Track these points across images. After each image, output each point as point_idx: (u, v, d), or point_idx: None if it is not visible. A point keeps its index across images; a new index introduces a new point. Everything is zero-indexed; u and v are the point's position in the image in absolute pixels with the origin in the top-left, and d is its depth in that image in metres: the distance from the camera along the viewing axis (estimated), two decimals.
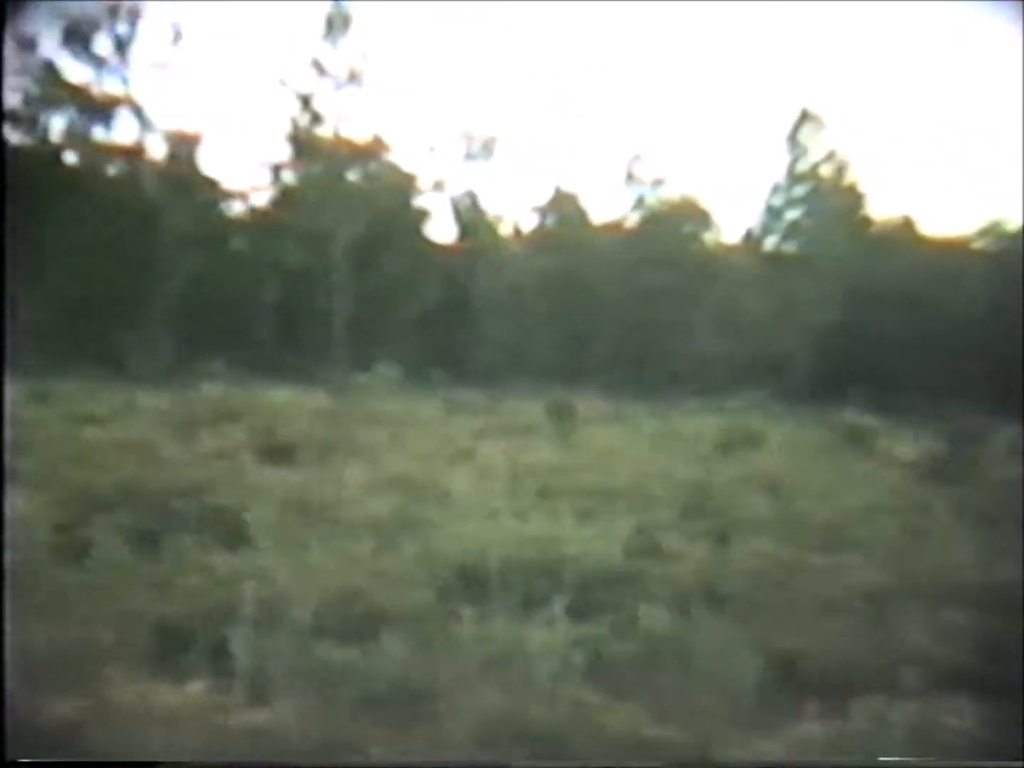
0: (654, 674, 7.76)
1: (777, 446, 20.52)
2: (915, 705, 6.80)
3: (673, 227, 48.36)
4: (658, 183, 48.57)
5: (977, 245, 55.37)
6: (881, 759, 6.30)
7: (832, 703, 7.00)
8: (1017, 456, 21.73)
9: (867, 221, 51.92)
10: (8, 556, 7.89)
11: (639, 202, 48.44)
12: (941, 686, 7.30)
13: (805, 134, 50.35)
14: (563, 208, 46.95)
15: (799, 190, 50.76)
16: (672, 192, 48.76)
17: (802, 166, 50.64)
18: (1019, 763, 6.08)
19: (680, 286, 45.87)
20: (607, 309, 44.90)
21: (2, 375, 10.67)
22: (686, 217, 49.15)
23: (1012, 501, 15.22)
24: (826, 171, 50.90)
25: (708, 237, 50.34)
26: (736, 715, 7.09)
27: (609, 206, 55.54)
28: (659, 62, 62.55)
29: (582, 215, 47.55)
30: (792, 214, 50.78)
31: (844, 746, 6.45)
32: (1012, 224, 54.91)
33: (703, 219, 49.78)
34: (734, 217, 70.77)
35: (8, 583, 7.43)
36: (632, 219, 48.53)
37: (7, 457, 9.02)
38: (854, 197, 51.45)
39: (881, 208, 52.44)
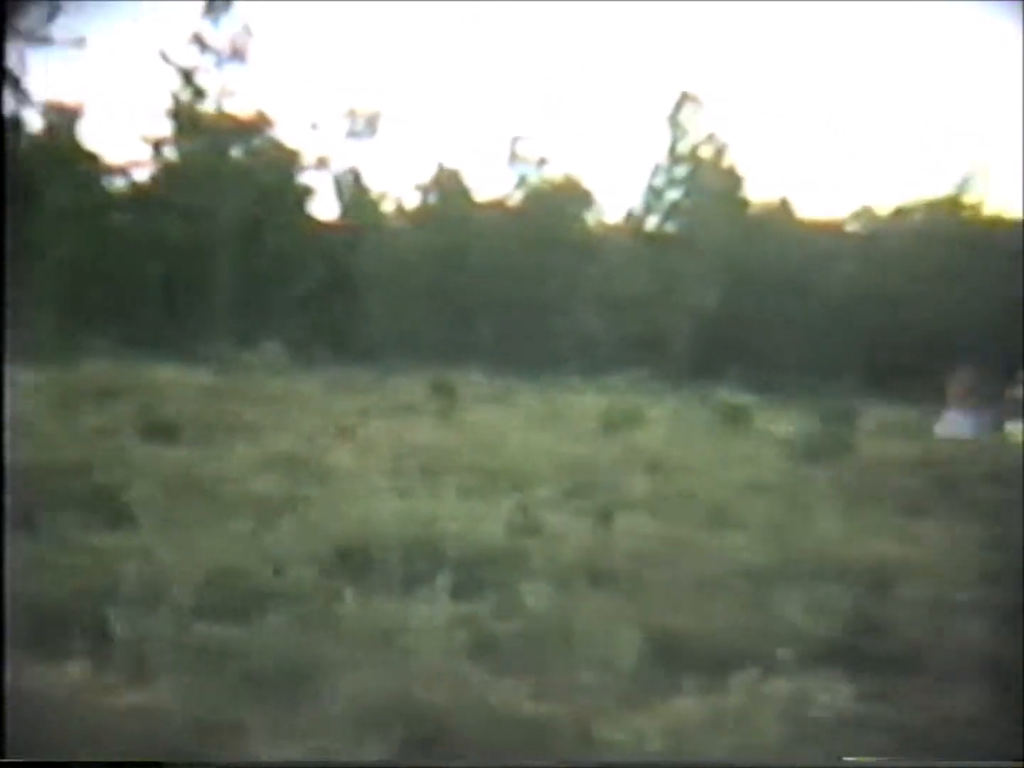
0: (536, 651, 7.79)
1: (658, 424, 20.72)
2: (790, 681, 6.88)
3: (555, 206, 48.51)
4: (541, 162, 48.68)
5: (850, 228, 56.40)
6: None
7: (710, 679, 7.04)
8: (887, 433, 22.24)
9: (745, 203, 52.58)
10: None
11: (522, 181, 48.53)
12: (815, 662, 7.39)
13: (685, 115, 50.78)
14: (446, 186, 46.87)
15: (679, 171, 51.17)
16: (555, 171, 48.93)
17: (682, 147, 51.06)
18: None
19: (562, 265, 46.04)
20: (490, 288, 44.93)
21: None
22: (568, 196, 49.32)
23: (883, 478, 15.57)
24: (706, 152, 51.39)
25: (590, 217, 50.58)
26: (616, 692, 7.14)
27: (492, 184, 55.60)
28: (542, 41, 62.55)
29: (465, 193, 47.50)
30: (673, 194, 51.17)
31: (720, 721, 6.50)
32: (882, 208, 56.04)
33: (585, 199, 50.00)
34: (616, 197, 71.02)
35: None
36: (515, 198, 48.61)
37: None
38: (732, 179, 52.03)
39: (759, 190, 53.15)
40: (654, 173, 50.79)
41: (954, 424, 22.97)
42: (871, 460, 17.19)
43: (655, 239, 50.14)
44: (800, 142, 78.48)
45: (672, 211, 50.91)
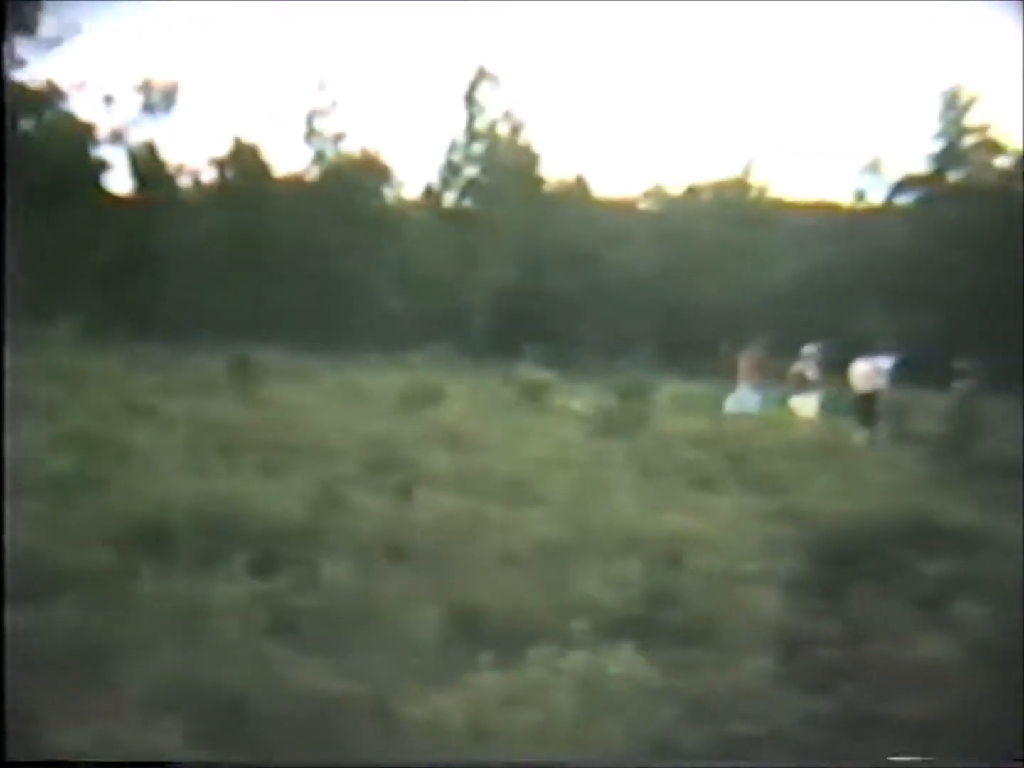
0: (336, 628, 7.79)
1: (457, 400, 20.79)
2: (585, 654, 7.00)
3: (354, 182, 48.23)
4: (339, 137, 48.32)
5: (643, 206, 57.37)
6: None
7: (509, 654, 7.11)
8: (680, 408, 22.72)
9: (541, 180, 53.04)
10: None
11: (319, 156, 48.11)
12: (612, 634, 7.52)
13: (482, 92, 50.92)
14: (243, 161, 46.21)
15: (476, 148, 51.35)
16: (352, 147, 48.62)
17: (479, 124, 51.23)
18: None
19: (361, 241, 45.82)
20: (289, 264, 44.49)
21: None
22: (366, 172, 49.06)
23: (676, 453, 15.91)
24: (502, 130, 51.66)
25: (388, 192, 50.41)
26: (416, 668, 7.19)
27: (290, 160, 55.03)
28: (339, 14, 61.87)
29: (263, 168, 46.89)
30: (470, 171, 51.34)
31: (519, 696, 6.59)
32: (674, 187, 57.17)
33: (384, 174, 49.80)
34: (414, 173, 70.89)
35: None
36: (313, 173, 48.19)
37: None
38: (529, 156, 52.44)
39: (555, 168, 53.66)
40: (451, 149, 50.88)
41: (743, 399, 23.47)
42: (665, 435, 17.51)
43: (453, 215, 50.26)
44: (595, 120, 79.48)
45: (469, 188, 51.07)
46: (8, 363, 9.60)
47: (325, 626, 7.82)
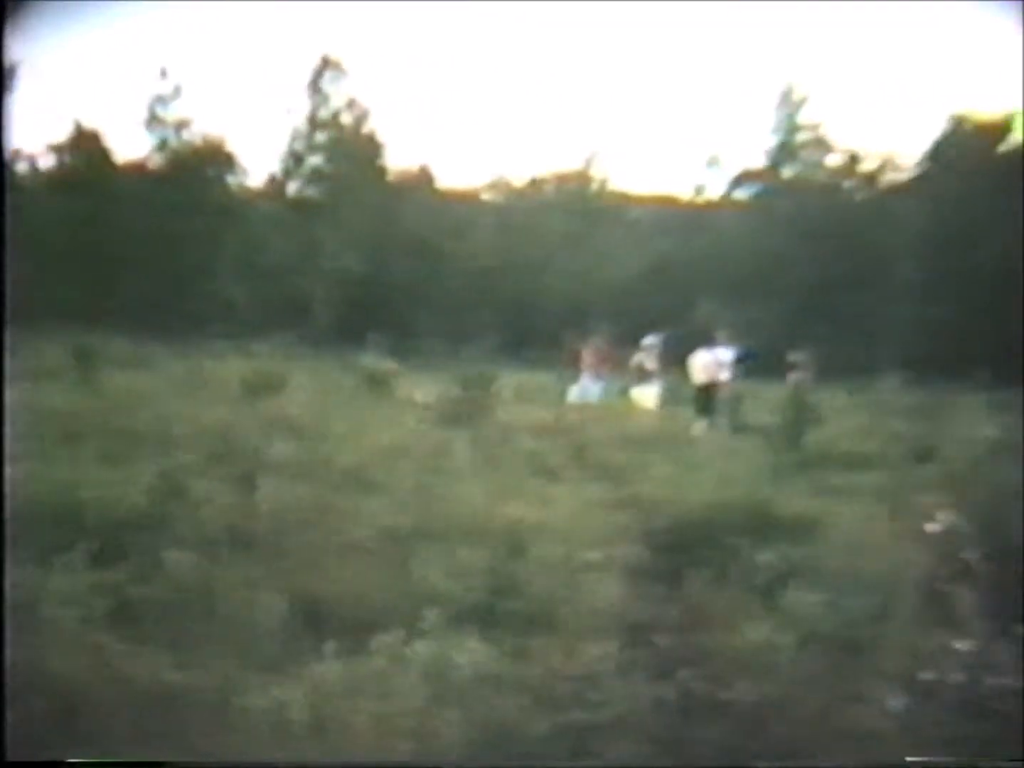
0: (178, 619, 7.72)
1: (301, 390, 20.68)
2: (430, 643, 7.03)
3: (197, 170, 47.60)
4: (181, 125, 47.62)
5: (487, 197, 57.63)
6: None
7: (353, 643, 7.13)
8: (523, 399, 22.89)
9: (385, 170, 52.93)
10: None
11: (162, 144, 47.36)
12: (456, 623, 7.56)
13: (326, 81, 50.61)
14: (85, 147, 45.28)
15: (320, 137, 51.03)
16: (195, 135, 47.95)
17: (323, 113, 50.92)
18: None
19: (204, 229, 45.27)
20: (132, 252, 43.76)
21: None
22: (210, 160, 48.48)
23: (519, 443, 16.03)
24: (346, 119, 51.41)
25: (232, 181, 49.86)
26: (258, 658, 7.16)
27: (132, 147, 54.04)
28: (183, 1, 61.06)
29: (104, 155, 46.01)
30: (314, 160, 51.01)
31: (362, 685, 6.60)
32: (517, 179, 57.52)
33: (227, 162, 49.25)
34: (258, 161, 70.21)
35: None
36: (155, 161, 47.42)
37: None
38: (373, 146, 52.29)
39: (399, 158, 53.58)
40: (295, 138, 50.50)
41: (585, 390, 23.69)
42: (507, 425, 17.61)
43: (297, 204, 49.91)
44: (439, 111, 79.56)
45: (313, 177, 50.75)
46: None
47: (167, 616, 7.74)
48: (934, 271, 49.28)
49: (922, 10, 67.76)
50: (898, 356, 41.50)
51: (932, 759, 6.30)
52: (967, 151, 52.25)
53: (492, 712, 6.46)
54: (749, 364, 23.25)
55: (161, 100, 46.96)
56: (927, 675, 6.95)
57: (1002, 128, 53.41)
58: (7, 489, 8.42)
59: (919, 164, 54.60)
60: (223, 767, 6.23)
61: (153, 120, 46.99)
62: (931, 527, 9.99)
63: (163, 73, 46.63)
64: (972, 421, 21.41)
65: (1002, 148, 53.07)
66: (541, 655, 7.31)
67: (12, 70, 40.90)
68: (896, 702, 6.68)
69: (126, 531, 9.25)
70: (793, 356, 22.78)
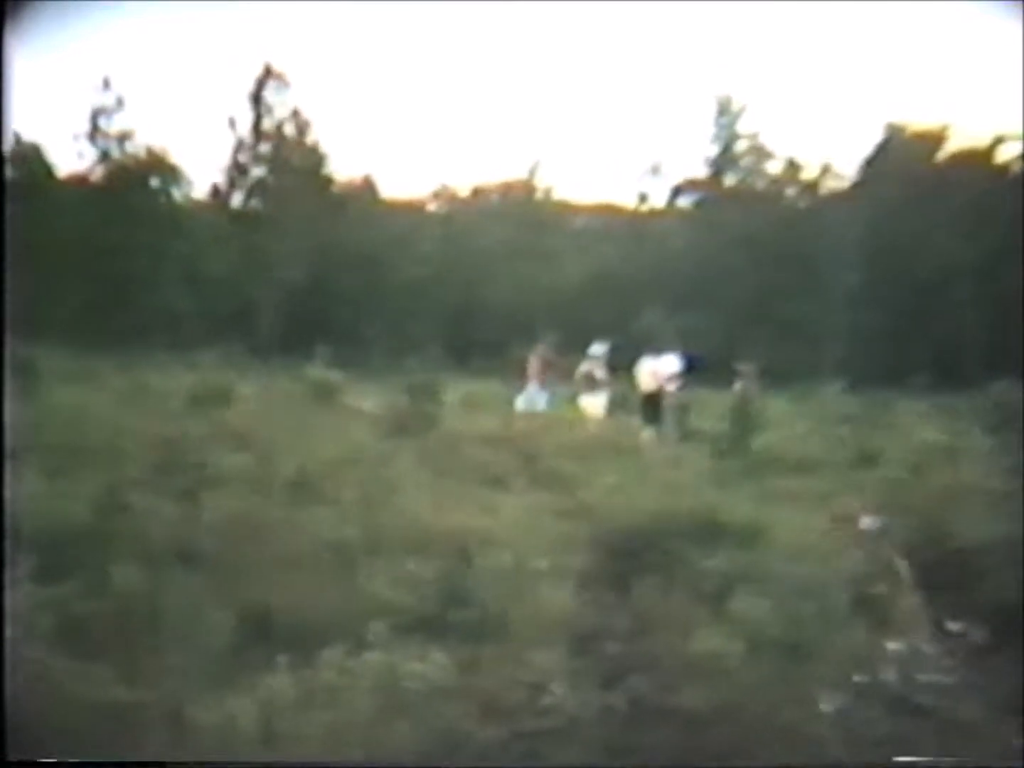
0: (125, 634, 7.68)
1: (247, 401, 20.59)
2: (379, 654, 7.03)
3: (140, 181, 47.36)
4: (124, 136, 47.34)
5: (431, 207, 57.71)
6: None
7: (301, 656, 7.12)
8: (470, 408, 22.90)
9: (329, 180, 52.88)
10: None
11: (104, 156, 47.06)
12: (405, 634, 7.56)
13: (269, 92, 50.51)
14: (26, 160, 44.91)
15: (264, 148, 50.92)
16: (139, 146, 47.71)
17: (267, 124, 50.81)
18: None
19: (148, 241, 45.03)
20: (74, 263, 43.44)
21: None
22: (153, 171, 48.24)
23: (467, 452, 16.01)
24: (290, 130, 51.33)
25: (176, 192, 49.64)
26: (208, 673, 7.14)
27: (74, 159, 53.57)
28: (125, 10, 60.63)
29: (46, 168, 45.66)
30: (258, 171, 50.88)
31: (312, 698, 6.60)
32: (460, 188, 57.63)
33: (171, 174, 49.02)
34: (202, 173, 69.80)
35: None
36: (98, 173, 47.14)
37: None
38: (316, 156, 52.25)
39: (342, 168, 53.53)
40: (238, 149, 50.34)
41: (532, 399, 23.69)
42: (455, 434, 17.60)
43: (241, 215, 49.77)
44: (383, 121, 79.49)
45: (257, 188, 50.61)
46: None
47: (113, 632, 7.69)
48: (874, 278, 49.80)
49: (860, 18, 68.53)
50: (839, 362, 41.96)
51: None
52: (904, 159, 52.86)
53: (441, 721, 6.47)
54: (695, 372, 23.37)
55: (103, 112, 46.65)
56: (862, 676, 7.04)
57: (938, 137, 54.15)
58: None
59: (858, 172, 55.19)
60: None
61: (95, 132, 46.67)
62: (864, 527, 10.16)
63: (106, 84, 46.37)
64: (913, 426, 21.67)
65: (938, 157, 53.79)
66: (490, 664, 7.32)
67: None
68: (831, 704, 6.76)
69: (71, 546, 9.16)
70: (739, 364, 22.92)
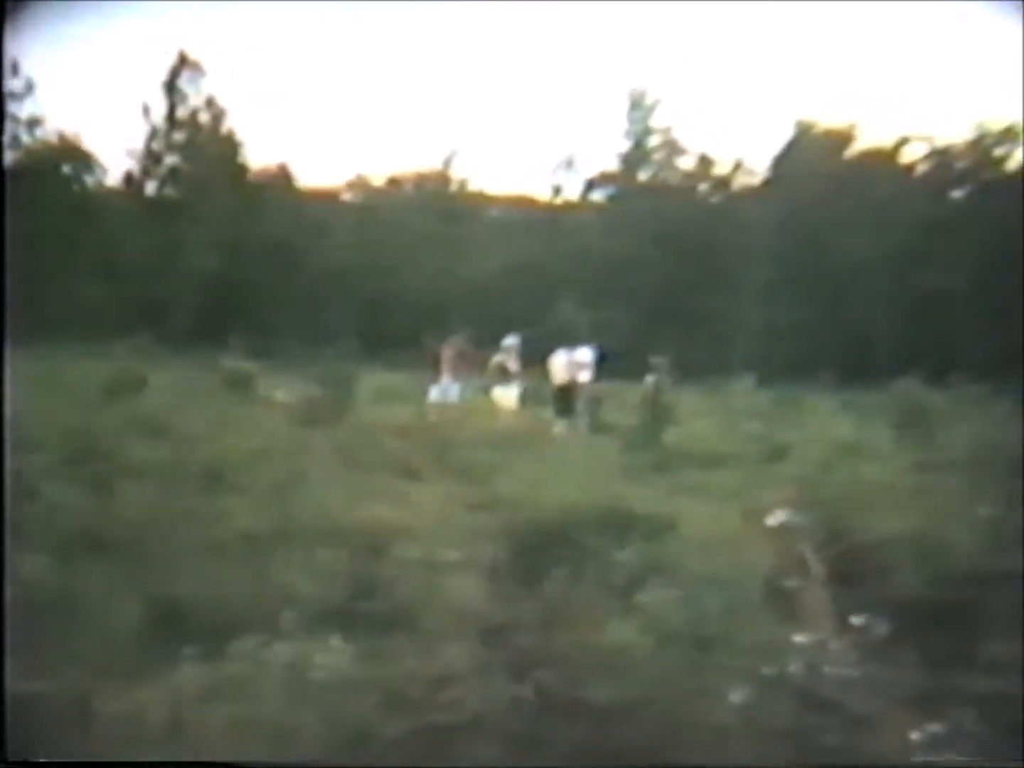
0: (34, 624, 7.63)
1: (161, 391, 20.45)
2: (291, 645, 7.05)
3: (51, 168, 46.73)
4: (35, 122, 46.71)
5: (346, 196, 57.53)
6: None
7: (211, 647, 7.11)
8: (384, 399, 22.91)
9: (244, 169, 52.55)
10: None
11: (14, 142, 46.39)
12: (316, 625, 7.58)
13: (184, 80, 50.08)
14: None
15: (178, 136, 50.49)
16: (50, 132, 47.09)
17: (181, 112, 50.38)
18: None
19: (60, 229, 44.44)
20: None
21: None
22: (65, 158, 47.63)
23: (380, 443, 16.03)
24: (204, 118, 50.94)
25: (89, 180, 49.04)
26: (117, 664, 7.10)
27: None
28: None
29: None
30: (172, 159, 50.45)
31: (221, 688, 6.60)
32: (376, 178, 57.49)
33: (84, 161, 48.44)
34: (115, 160, 68.99)
35: None
36: (7, 159, 46.46)
37: None
38: (232, 145, 51.89)
39: (258, 157, 53.22)
40: (152, 137, 49.86)
41: (445, 390, 23.74)
42: (368, 425, 17.60)
43: (155, 204, 49.31)
44: (298, 109, 79.05)
45: (172, 176, 50.17)
46: None
47: (21, 622, 7.63)
48: (784, 274, 50.42)
49: (770, 16, 69.24)
50: (750, 357, 42.40)
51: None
52: (814, 157, 53.56)
53: (350, 713, 6.49)
54: (607, 364, 23.54)
55: (13, 96, 45.99)
56: (769, 669, 7.16)
57: (846, 135, 54.95)
58: None
59: (769, 168, 55.84)
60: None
61: (3, 117, 45.95)
62: (772, 522, 10.32)
63: (15, 69, 45.69)
64: (822, 421, 21.99)
65: (846, 155, 54.57)
66: (399, 656, 7.35)
67: None
68: (738, 696, 6.87)
69: None
70: (652, 358, 23.10)
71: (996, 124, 53.35)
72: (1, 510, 8.01)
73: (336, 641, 7.22)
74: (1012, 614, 8.06)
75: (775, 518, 10.64)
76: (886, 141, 54.71)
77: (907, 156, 55.18)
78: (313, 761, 6.32)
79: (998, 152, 53.93)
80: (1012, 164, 53.49)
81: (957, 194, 54.68)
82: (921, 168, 54.93)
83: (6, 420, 9.00)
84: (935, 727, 6.63)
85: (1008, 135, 53.23)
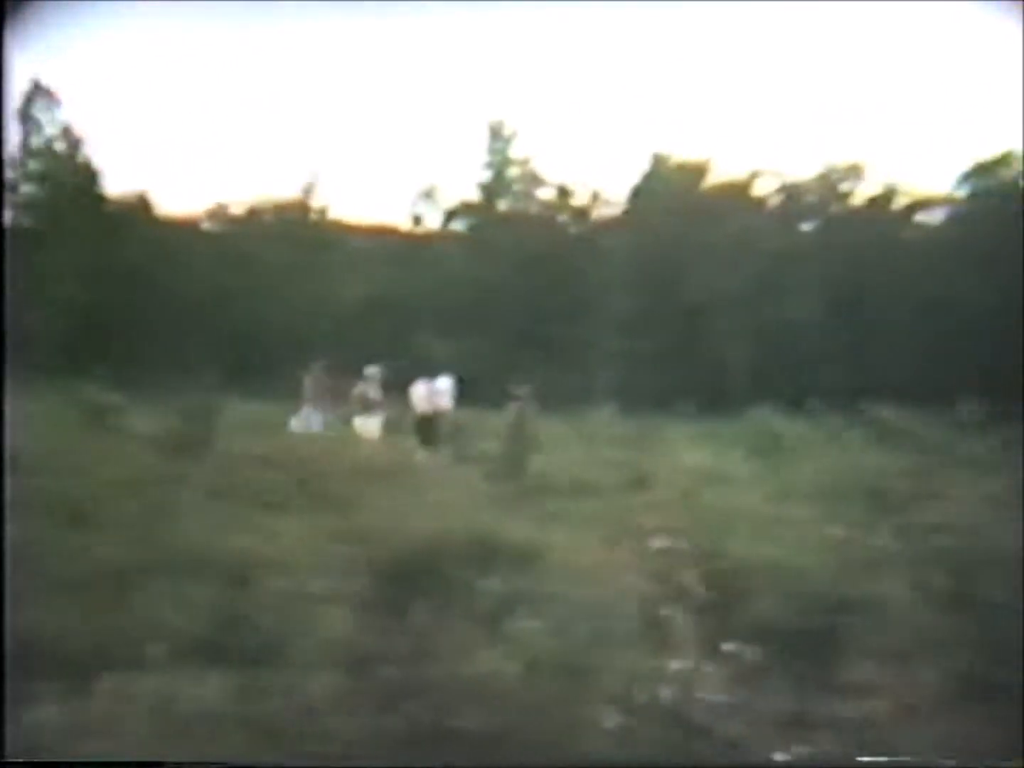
0: None
1: (21, 423, 20.03)
2: (158, 679, 6.99)
3: None
4: None
5: (206, 226, 57.00)
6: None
7: (73, 684, 7.05)
8: (246, 430, 22.70)
9: (102, 198, 51.84)
10: None
11: None
12: (182, 658, 7.53)
13: (38, 109, 49.34)
14: None
15: (34, 165, 49.68)
16: None
17: (36, 141, 49.61)
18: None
19: None
20: None
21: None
22: None
23: (242, 474, 15.91)
24: (60, 147, 50.22)
25: None
26: None
27: None
28: None
29: None
30: (28, 189, 49.61)
31: (86, 725, 6.54)
32: (236, 206, 57.08)
33: None
34: None
35: None
36: None
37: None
38: (89, 174, 51.18)
39: (116, 186, 52.55)
40: (7, 166, 48.96)
41: (307, 420, 23.64)
42: (230, 456, 17.44)
43: (13, 233, 48.39)
44: (157, 138, 78.17)
45: (29, 205, 49.31)
46: None
47: None
48: (643, 304, 51.06)
49: (629, 49, 70.28)
50: (611, 386, 42.86)
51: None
52: (670, 189, 54.41)
53: (218, 747, 6.48)
54: (466, 393, 23.73)
55: None
56: (642, 694, 7.29)
57: (700, 169, 56.01)
58: None
59: (627, 200, 56.56)
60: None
61: None
62: (648, 549, 10.48)
63: None
64: (681, 449, 22.32)
65: (701, 188, 55.59)
66: (267, 689, 7.34)
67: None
68: (612, 721, 6.98)
69: None
70: (514, 388, 23.26)
71: (842, 160, 55.27)
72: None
73: (203, 675, 7.19)
74: (868, 639, 8.32)
75: (643, 544, 10.81)
76: (739, 175, 55.85)
77: (759, 189, 56.39)
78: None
79: (844, 187, 55.65)
80: (856, 199, 55.34)
81: (806, 227, 56.09)
82: (772, 201, 56.18)
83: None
84: (800, 749, 6.81)
85: (853, 171, 55.08)
